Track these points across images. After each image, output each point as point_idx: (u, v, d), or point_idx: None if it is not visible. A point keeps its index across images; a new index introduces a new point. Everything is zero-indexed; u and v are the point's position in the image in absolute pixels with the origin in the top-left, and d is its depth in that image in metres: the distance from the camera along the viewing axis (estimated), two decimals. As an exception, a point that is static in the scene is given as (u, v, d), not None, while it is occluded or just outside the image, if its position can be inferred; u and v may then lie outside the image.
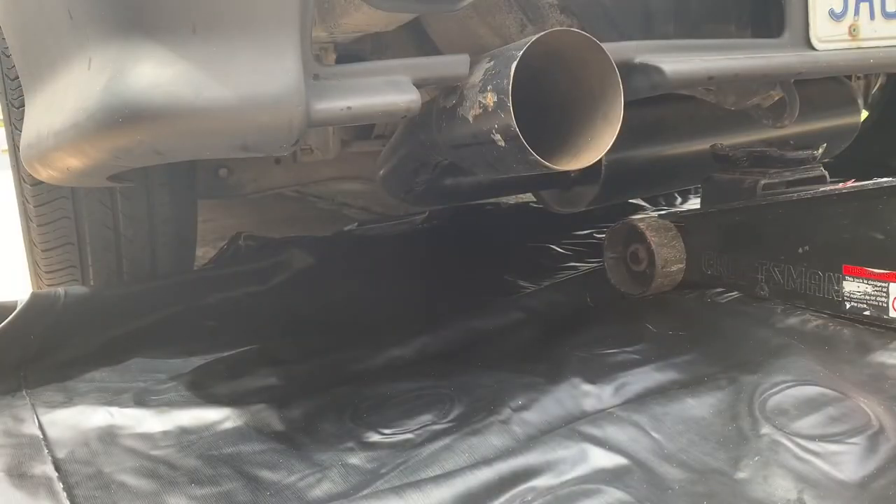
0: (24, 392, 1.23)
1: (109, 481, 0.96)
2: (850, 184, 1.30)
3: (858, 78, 2.32)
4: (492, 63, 0.96)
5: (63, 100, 0.89)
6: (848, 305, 1.21)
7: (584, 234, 2.14)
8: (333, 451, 1.02)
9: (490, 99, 0.94)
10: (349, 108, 0.89)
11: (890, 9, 1.29)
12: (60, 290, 1.43)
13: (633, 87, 1.09)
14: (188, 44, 0.80)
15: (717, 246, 1.42)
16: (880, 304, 1.17)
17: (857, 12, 1.26)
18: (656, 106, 1.70)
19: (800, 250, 1.28)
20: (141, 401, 1.18)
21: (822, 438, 0.92)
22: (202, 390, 1.22)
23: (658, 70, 1.08)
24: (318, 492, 0.94)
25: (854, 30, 1.26)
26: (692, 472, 0.89)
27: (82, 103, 0.83)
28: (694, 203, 2.54)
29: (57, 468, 0.99)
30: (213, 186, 1.84)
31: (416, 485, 0.86)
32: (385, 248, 2.08)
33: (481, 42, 1.20)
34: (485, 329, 1.42)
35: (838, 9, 1.25)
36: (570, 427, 0.98)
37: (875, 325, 1.17)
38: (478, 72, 0.98)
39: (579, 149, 1.00)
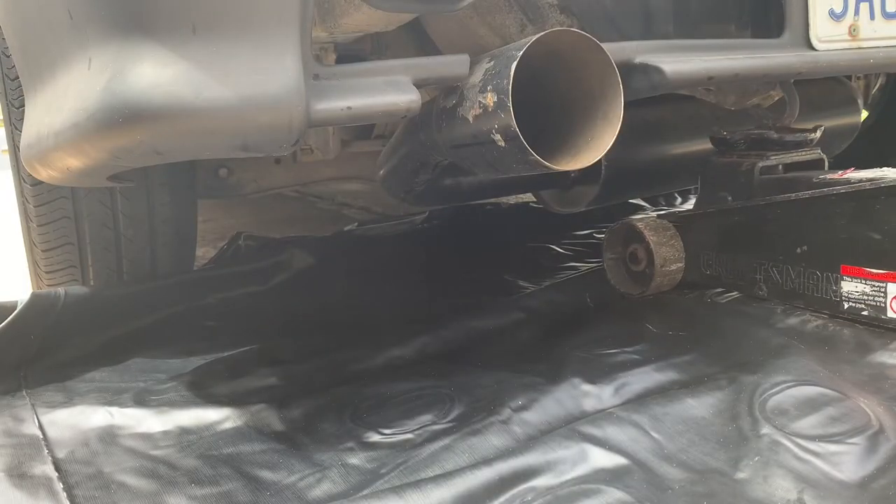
0: (24, 392, 1.23)
1: (109, 481, 0.96)
2: (849, 172, 1.30)
3: (858, 78, 2.32)
4: (492, 63, 0.96)
5: (63, 100, 0.90)
6: (846, 305, 1.21)
7: (584, 234, 2.14)
8: (333, 451, 1.02)
9: (490, 99, 0.94)
10: (349, 108, 0.89)
11: (890, 9, 1.29)
12: (60, 290, 1.43)
13: (633, 87, 1.09)
14: (188, 44, 0.80)
15: (716, 246, 1.42)
16: (878, 304, 1.17)
17: (857, 12, 1.26)
18: (656, 106, 1.70)
19: (798, 250, 1.28)
20: (141, 401, 1.18)
21: (822, 438, 0.92)
22: (202, 390, 1.22)
23: (658, 70, 1.09)
24: (318, 492, 0.94)
25: (854, 30, 1.26)
26: (692, 472, 0.89)
27: (82, 103, 0.83)
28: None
29: (57, 468, 0.99)
30: (213, 186, 1.84)
31: (416, 485, 0.86)
32: (385, 248, 2.08)
33: (481, 42, 1.20)
34: (485, 329, 1.42)
35: (838, 9, 1.25)
36: (570, 427, 0.98)
37: (873, 325, 1.17)
38: (478, 72, 0.98)
39: (579, 149, 1.00)
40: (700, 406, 1.02)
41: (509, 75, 0.91)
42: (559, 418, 1.05)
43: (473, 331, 1.42)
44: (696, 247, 1.45)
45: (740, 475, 0.88)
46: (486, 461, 0.91)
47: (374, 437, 1.05)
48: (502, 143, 0.95)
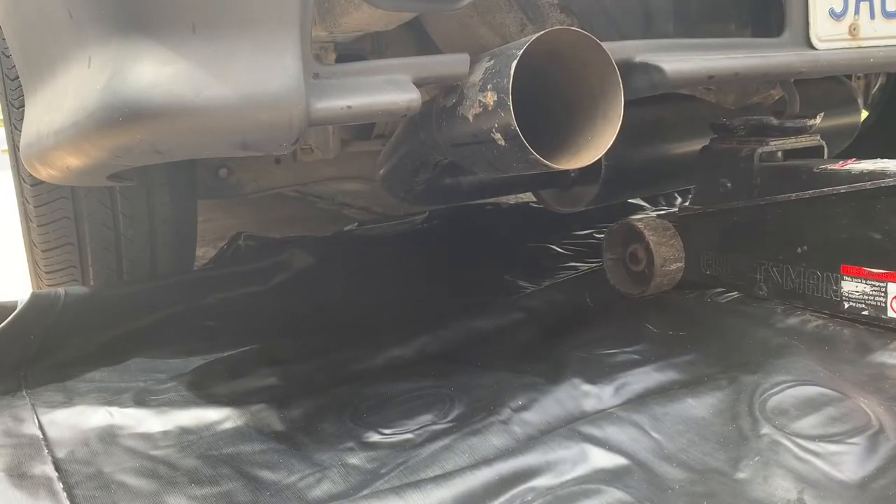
0: (24, 392, 1.23)
1: (109, 481, 0.96)
2: (850, 162, 1.30)
3: (858, 78, 2.32)
4: (492, 62, 0.96)
5: (63, 99, 0.89)
6: (846, 305, 1.21)
7: (584, 234, 2.14)
8: (333, 451, 1.02)
9: (490, 98, 0.94)
10: (349, 107, 0.89)
11: (890, 8, 1.29)
12: (60, 290, 1.43)
13: (633, 86, 1.09)
14: (188, 42, 0.80)
15: (716, 246, 1.42)
16: (878, 303, 1.17)
17: (857, 11, 1.26)
18: (656, 106, 1.70)
19: (798, 250, 1.28)
20: (141, 401, 1.18)
21: (822, 438, 0.92)
22: (202, 390, 1.22)
23: (658, 69, 1.08)
24: (318, 492, 0.94)
25: (854, 29, 1.26)
26: (692, 472, 0.89)
27: (82, 102, 0.83)
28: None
29: (57, 468, 0.99)
30: (213, 186, 1.84)
31: (416, 485, 0.86)
32: (385, 248, 2.08)
33: (481, 42, 1.20)
34: (485, 329, 1.42)
35: (838, 8, 1.25)
36: (570, 427, 0.98)
37: (873, 325, 1.17)
38: (478, 71, 0.98)
39: (579, 148, 1.00)
40: (700, 406, 1.02)
41: (509, 74, 0.91)
42: (559, 418, 1.05)
43: (473, 331, 1.42)
44: (695, 247, 1.45)
45: (740, 475, 0.88)
46: (486, 461, 0.91)
47: (374, 437, 1.05)
48: (502, 142, 0.95)
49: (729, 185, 1.45)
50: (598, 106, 0.99)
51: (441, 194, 1.74)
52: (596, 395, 1.10)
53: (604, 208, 2.27)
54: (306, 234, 2.18)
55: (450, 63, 1.00)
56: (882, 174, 1.19)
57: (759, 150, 1.40)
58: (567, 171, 1.83)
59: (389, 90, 0.92)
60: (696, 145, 1.58)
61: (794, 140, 1.43)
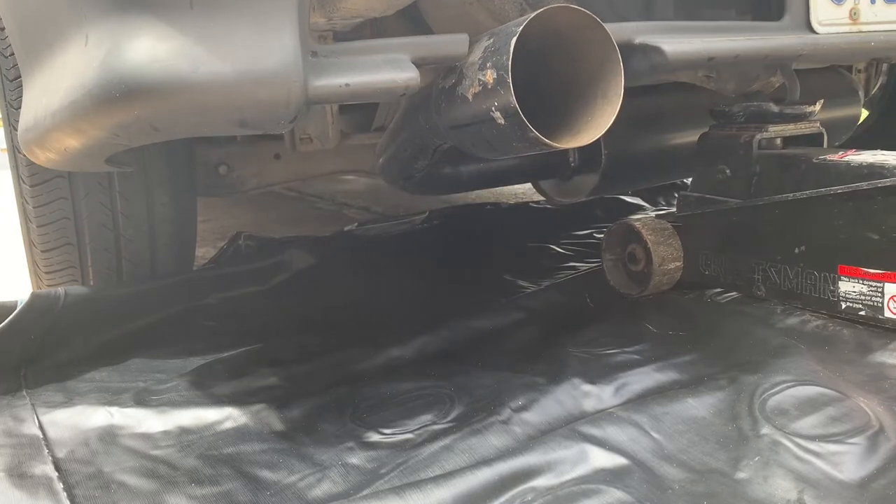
0: (24, 392, 1.23)
1: (109, 481, 0.96)
2: (850, 154, 1.30)
3: (859, 71, 2.31)
4: (491, 40, 0.95)
5: (60, 79, 0.88)
6: (844, 305, 1.21)
7: (584, 234, 2.14)
8: (333, 451, 1.02)
9: (490, 76, 0.93)
10: (347, 84, 0.88)
11: (891, -8, 1.29)
12: (60, 290, 1.43)
13: (633, 67, 1.08)
14: (186, 18, 0.79)
15: (714, 246, 1.42)
16: (875, 304, 1.17)
17: (857, -4, 1.26)
18: (657, 95, 1.69)
19: (796, 250, 1.28)
20: (141, 401, 1.18)
21: (822, 438, 0.92)
22: (202, 390, 1.22)
23: (658, 50, 1.08)
24: (318, 492, 0.94)
25: (855, 13, 1.26)
26: (692, 472, 0.90)
27: (79, 80, 0.82)
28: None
29: (57, 468, 0.99)
30: (212, 184, 1.84)
31: (416, 485, 0.86)
32: (385, 248, 2.08)
33: (480, 28, 1.18)
34: (485, 329, 1.42)
35: (839, -8, 1.25)
36: (570, 427, 0.98)
37: (870, 325, 1.17)
38: (477, 50, 0.97)
39: (579, 128, 0.99)
40: (700, 406, 1.02)
41: (509, 51, 0.90)
42: (559, 418, 1.05)
43: (473, 331, 1.42)
44: (694, 246, 1.45)
45: (740, 475, 0.88)
46: (486, 461, 0.91)
47: (374, 437, 1.05)
48: (502, 121, 0.94)
49: (728, 171, 1.45)
50: (597, 86, 0.98)
51: (440, 183, 1.73)
52: (596, 395, 1.10)
53: (604, 208, 2.28)
54: (306, 234, 2.18)
55: (449, 42, 0.99)
56: (881, 167, 1.19)
57: (759, 137, 1.40)
58: (567, 161, 1.82)
59: (388, 69, 0.91)
60: (696, 134, 1.58)
61: (793, 127, 1.43)
